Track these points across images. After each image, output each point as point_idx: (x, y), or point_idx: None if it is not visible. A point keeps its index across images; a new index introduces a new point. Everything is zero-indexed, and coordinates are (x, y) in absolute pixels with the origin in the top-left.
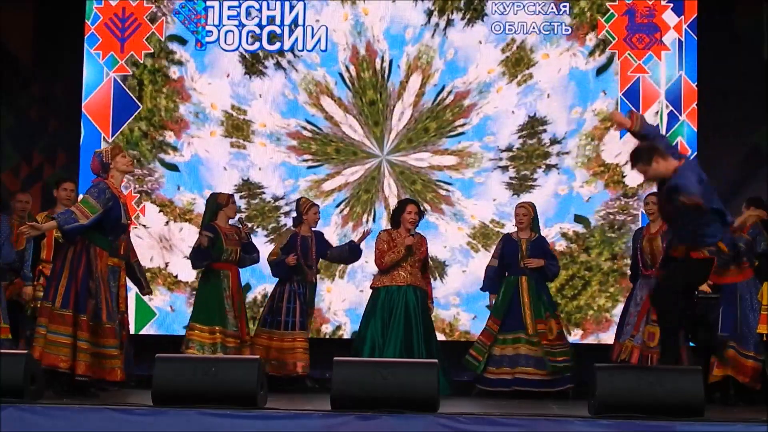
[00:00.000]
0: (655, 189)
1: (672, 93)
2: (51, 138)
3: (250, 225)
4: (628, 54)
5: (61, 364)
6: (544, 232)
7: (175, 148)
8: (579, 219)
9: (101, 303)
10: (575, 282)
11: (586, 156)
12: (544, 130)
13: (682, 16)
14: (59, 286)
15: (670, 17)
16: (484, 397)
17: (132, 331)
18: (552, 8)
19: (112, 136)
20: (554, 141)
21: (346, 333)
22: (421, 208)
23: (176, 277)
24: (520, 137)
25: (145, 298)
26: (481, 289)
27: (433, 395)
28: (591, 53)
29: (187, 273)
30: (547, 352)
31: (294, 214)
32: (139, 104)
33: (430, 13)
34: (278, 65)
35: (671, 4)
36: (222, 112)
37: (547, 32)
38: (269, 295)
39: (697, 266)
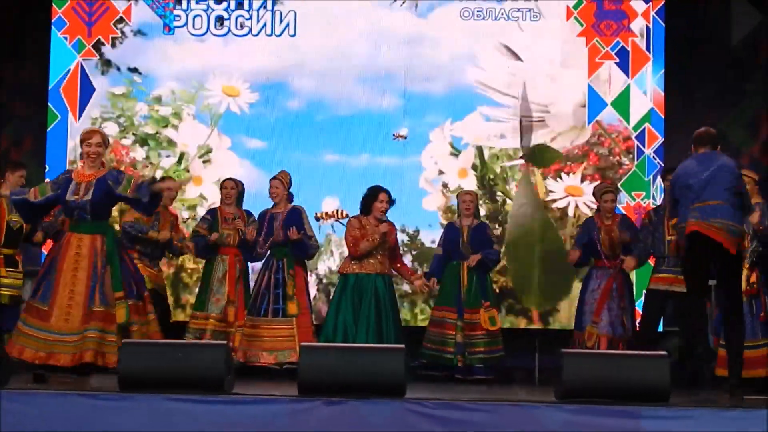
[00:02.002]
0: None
1: (640, 80)
2: (18, 122)
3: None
4: (596, 41)
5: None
6: None
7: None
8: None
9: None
10: None
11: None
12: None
13: (650, 3)
14: None
15: (638, 4)
16: (450, 383)
17: None
18: None
19: (79, 120)
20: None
21: None
22: (392, 196)
23: None
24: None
25: None
26: (426, 275)
27: (401, 381)
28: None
29: None
30: (468, 342)
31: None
32: (105, 89)
33: None
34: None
35: None
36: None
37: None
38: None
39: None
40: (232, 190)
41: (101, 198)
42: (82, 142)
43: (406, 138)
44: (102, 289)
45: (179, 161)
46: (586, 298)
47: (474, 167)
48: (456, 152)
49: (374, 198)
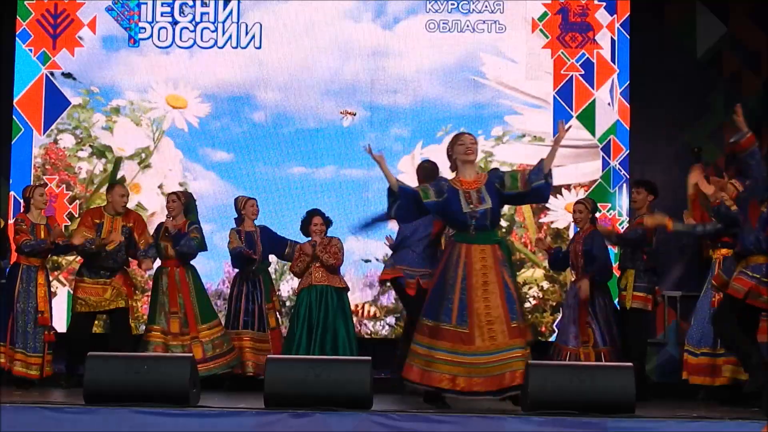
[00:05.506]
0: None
1: (605, 92)
2: None
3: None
4: (562, 53)
5: None
6: None
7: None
8: None
9: None
10: None
11: None
12: None
13: (615, 15)
14: None
15: (603, 16)
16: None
17: (64, 329)
18: None
19: (44, 133)
20: None
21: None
22: (327, 217)
23: None
24: None
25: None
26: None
27: (367, 392)
28: None
29: None
30: None
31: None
32: (70, 101)
33: None
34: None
35: (604, 3)
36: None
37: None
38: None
39: None
40: (174, 203)
41: (499, 204)
42: (455, 144)
43: (354, 115)
44: (516, 301)
45: (115, 167)
46: (564, 312)
47: None
48: None
49: (309, 222)
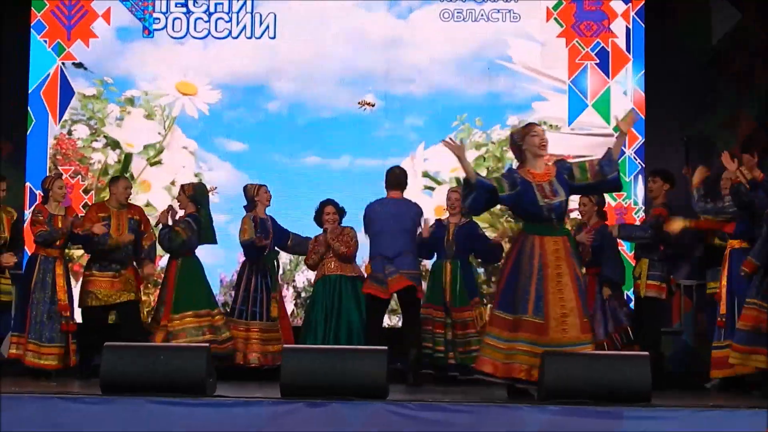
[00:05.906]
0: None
1: (620, 80)
2: None
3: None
4: (576, 41)
5: None
6: None
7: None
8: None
9: None
10: None
11: None
12: None
13: (630, 4)
14: None
15: (617, 5)
16: (428, 383)
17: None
18: None
19: (58, 124)
20: None
21: None
22: (340, 206)
23: None
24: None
25: None
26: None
27: (383, 382)
28: None
29: None
30: (461, 341)
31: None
32: (78, 91)
33: None
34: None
35: None
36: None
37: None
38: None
39: None
40: (179, 196)
41: (568, 195)
42: (526, 135)
43: (373, 106)
44: (586, 295)
45: (125, 164)
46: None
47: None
48: (431, 187)
49: (322, 212)
